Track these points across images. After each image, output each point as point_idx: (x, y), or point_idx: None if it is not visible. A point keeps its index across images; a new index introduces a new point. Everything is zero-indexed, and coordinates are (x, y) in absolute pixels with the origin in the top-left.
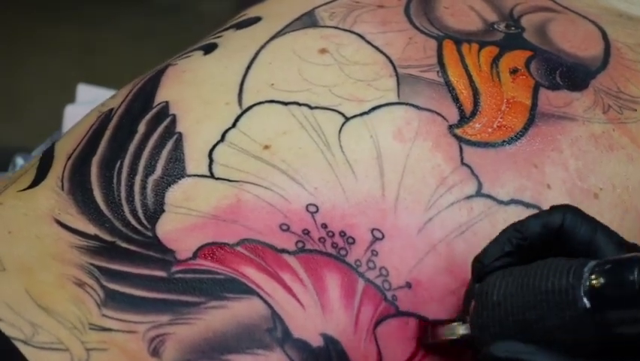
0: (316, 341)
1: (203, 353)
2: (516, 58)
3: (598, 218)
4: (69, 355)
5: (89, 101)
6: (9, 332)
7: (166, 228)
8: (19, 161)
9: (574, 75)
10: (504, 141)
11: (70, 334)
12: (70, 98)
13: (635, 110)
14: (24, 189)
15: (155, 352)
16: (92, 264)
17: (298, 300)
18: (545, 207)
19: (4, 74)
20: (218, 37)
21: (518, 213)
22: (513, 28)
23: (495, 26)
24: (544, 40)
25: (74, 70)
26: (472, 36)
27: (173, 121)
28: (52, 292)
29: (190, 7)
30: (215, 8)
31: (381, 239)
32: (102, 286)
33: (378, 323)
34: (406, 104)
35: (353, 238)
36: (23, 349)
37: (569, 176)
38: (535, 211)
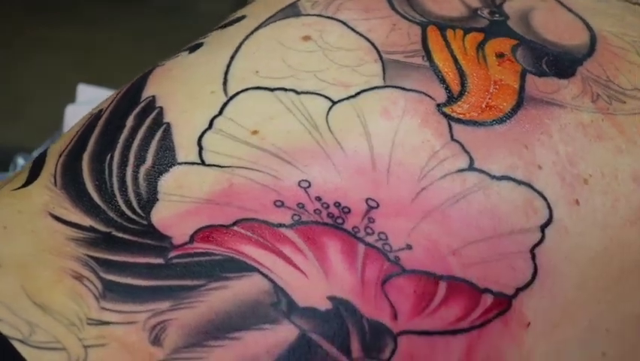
0: (324, 305)
1: (207, 334)
2: (502, 44)
3: (589, 203)
4: (66, 354)
5: (89, 101)
6: (7, 331)
7: (161, 215)
8: (20, 161)
9: (560, 63)
10: (493, 121)
11: (68, 331)
12: (71, 98)
13: (625, 102)
14: (17, 188)
15: (156, 340)
16: (88, 255)
17: (300, 270)
18: (537, 186)
19: (4, 73)
20: (206, 37)
21: (510, 189)
22: (497, 15)
23: (479, 12)
24: (529, 30)
25: (74, 70)
26: (455, 22)
27: (160, 113)
28: (50, 287)
29: (190, 7)
30: (215, 8)
31: (376, 207)
32: (100, 278)
33: (385, 281)
34: (392, 86)
35: (348, 208)
36: (21, 349)
37: (559, 159)
38: (526, 190)
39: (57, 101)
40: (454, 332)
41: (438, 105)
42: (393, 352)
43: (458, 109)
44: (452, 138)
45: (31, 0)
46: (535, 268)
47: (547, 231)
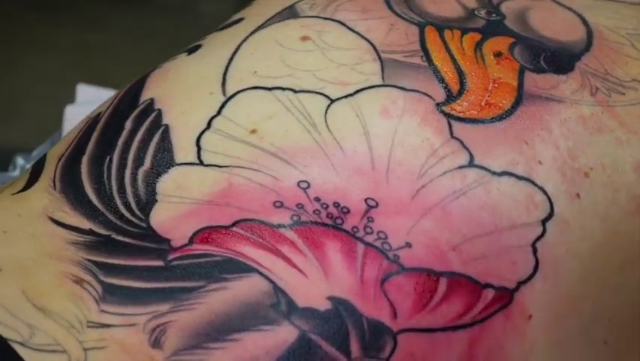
0: (324, 305)
1: (207, 335)
2: (499, 43)
3: (590, 195)
4: (67, 357)
5: (88, 101)
6: (7, 334)
7: (160, 217)
8: (20, 161)
9: (558, 59)
10: (493, 118)
11: (68, 334)
12: (70, 98)
13: (624, 94)
14: (17, 193)
15: (156, 342)
16: (88, 260)
17: (300, 270)
18: (537, 181)
19: (4, 73)
20: (204, 39)
21: (511, 185)
22: (494, 15)
23: (476, 13)
24: (526, 27)
25: (74, 70)
26: (453, 22)
27: (159, 115)
28: (50, 291)
29: (190, 7)
30: (215, 8)
31: (375, 207)
32: (100, 282)
33: (384, 280)
34: (392, 86)
35: (347, 208)
36: (22, 351)
37: (559, 154)
38: (527, 185)
39: (57, 101)
40: (455, 328)
41: (437, 104)
42: (393, 350)
43: (457, 107)
44: (452, 136)
45: (31, 0)
46: (537, 261)
47: (549, 225)
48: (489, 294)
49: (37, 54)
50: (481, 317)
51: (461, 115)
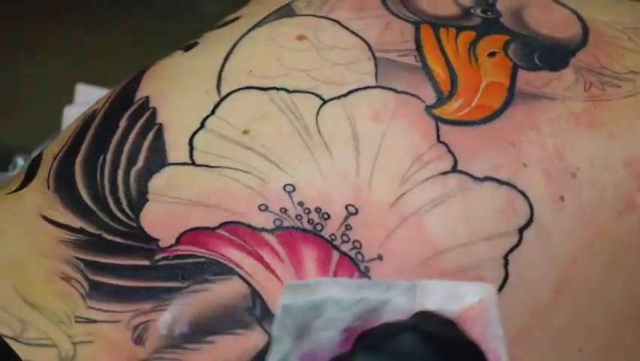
0: None
1: (186, 337)
2: (494, 42)
3: (576, 197)
4: (57, 351)
5: (88, 102)
6: (0, 329)
7: (150, 217)
8: (19, 161)
9: (553, 56)
10: (482, 119)
11: (58, 328)
12: (71, 98)
13: (620, 86)
14: (12, 192)
15: (138, 339)
16: (77, 258)
17: (276, 276)
18: (520, 185)
19: (4, 73)
20: (201, 37)
21: (492, 191)
22: (489, 12)
23: (471, 11)
24: (521, 24)
25: (74, 70)
26: (448, 21)
27: (154, 113)
28: (40, 287)
29: (190, 7)
30: (215, 8)
31: (355, 214)
32: (87, 279)
33: None
34: (384, 87)
35: (328, 214)
36: (14, 346)
37: (546, 155)
38: (508, 190)
39: (57, 101)
40: None
41: (427, 107)
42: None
43: (447, 109)
44: (438, 140)
45: (31, 0)
46: (507, 274)
47: (526, 233)
48: None
49: (37, 54)
50: None
51: (450, 117)
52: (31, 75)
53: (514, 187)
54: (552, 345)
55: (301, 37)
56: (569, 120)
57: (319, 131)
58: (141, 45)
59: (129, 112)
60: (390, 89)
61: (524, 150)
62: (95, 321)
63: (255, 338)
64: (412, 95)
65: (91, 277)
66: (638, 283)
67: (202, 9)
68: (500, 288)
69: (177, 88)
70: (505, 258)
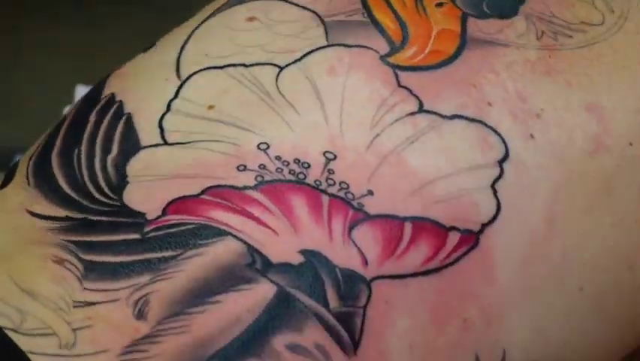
0: (297, 259)
1: (189, 302)
2: None
3: (545, 136)
4: (57, 339)
5: None
6: (0, 322)
7: (132, 195)
8: None
9: (501, 3)
10: (438, 64)
11: (56, 316)
12: (70, 98)
13: (571, 37)
14: None
15: (140, 314)
16: (68, 240)
17: (270, 228)
18: (489, 122)
19: (4, 73)
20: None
21: (463, 127)
22: None
23: None
24: None
25: (74, 70)
26: None
27: (121, 106)
28: (35, 274)
29: (190, 7)
30: None
31: (333, 159)
32: (80, 260)
33: (351, 228)
34: (336, 45)
35: (308, 163)
36: (14, 337)
37: (509, 96)
38: (479, 127)
39: (57, 102)
40: (426, 273)
41: (381, 57)
42: (368, 298)
43: (402, 57)
44: (399, 85)
45: (31, 0)
46: (498, 203)
47: (505, 165)
48: (455, 237)
49: (37, 54)
50: (449, 260)
51: (406, 64)
52: (31, 75)
53: (484, 124)
54: (554, 281)
55: (252, 19)
56: (525, 67)
57: (280, 93)
58: (141, 45)
59: (97, 108)
60: (343, 45)
61: (486, 91)
62: (93, 303)
63: (263, 290)
64: (365, 47)
65: (82, 256)
66: (628, 230)
67: (201, 9)
68: (495, 216)
69: (140, 81)
70: (493, 187)
